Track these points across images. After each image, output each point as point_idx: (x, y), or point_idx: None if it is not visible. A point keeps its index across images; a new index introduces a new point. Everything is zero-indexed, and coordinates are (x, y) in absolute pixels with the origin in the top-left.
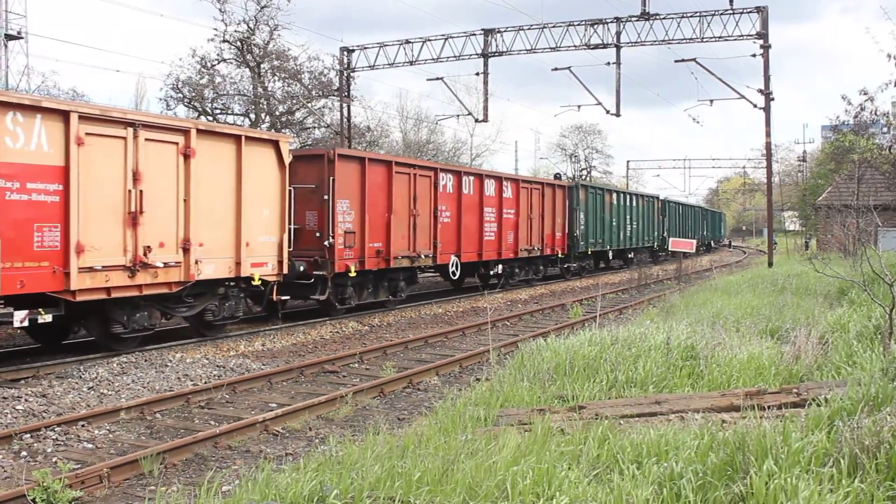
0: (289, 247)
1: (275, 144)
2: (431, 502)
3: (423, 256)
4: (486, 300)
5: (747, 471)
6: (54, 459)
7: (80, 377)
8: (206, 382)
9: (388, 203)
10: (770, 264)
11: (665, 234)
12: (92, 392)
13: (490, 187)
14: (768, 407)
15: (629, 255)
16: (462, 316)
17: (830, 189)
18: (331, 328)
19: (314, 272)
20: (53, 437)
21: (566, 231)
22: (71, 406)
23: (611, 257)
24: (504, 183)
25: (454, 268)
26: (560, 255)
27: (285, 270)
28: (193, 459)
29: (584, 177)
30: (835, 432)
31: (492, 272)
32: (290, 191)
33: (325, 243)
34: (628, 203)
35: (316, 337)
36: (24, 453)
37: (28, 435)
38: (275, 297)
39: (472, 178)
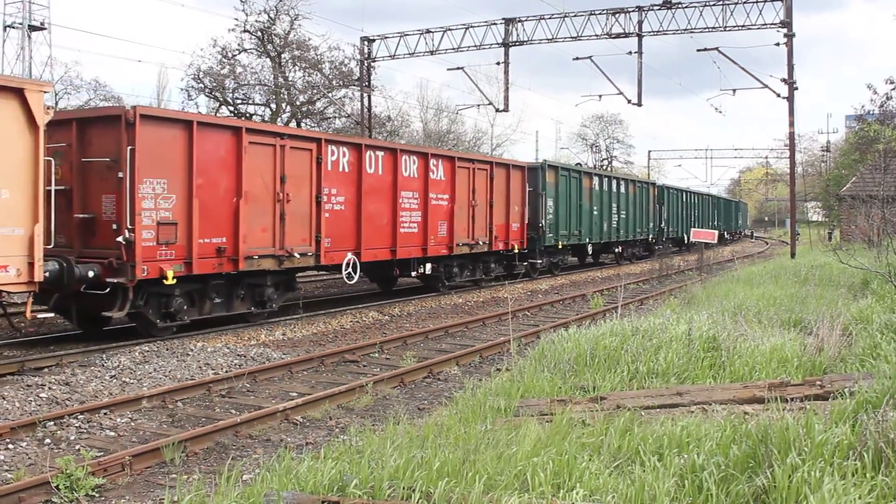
0: (48, 242)
1: (18, 94)
2: (451, 493)
3: (297, 255)
4: (506, 290)
5: (770, 463)
6: (77, 447)
7: (103, 365)
8: (227, 371)
9: (235, 184)
10: (793, 255)
11: (662, 224)
12: (114, 380)
13: (409, 166)
14: (791, 399)
15: (616, 250)
16: (482, 306)
17: (855, 179)
18: (351, 318)
19: (109, 279)
20: (76, 424)
21: (526, 221)
22: (94, 394)
23: (590, 251)
24: (432, 161)
25: (350, 269)
26: (518, 251)
27: (39, 276)
28: (214, 448)
29: (605, 167)
30: (859, 425)
31: (416, 272)
32: (47, 162)
33: (120, 239)
34: (614, 189)
35: (336, 326)
36: (47, 440)
37: (52, 422)
38: (28, 314)
39: (379, 153)
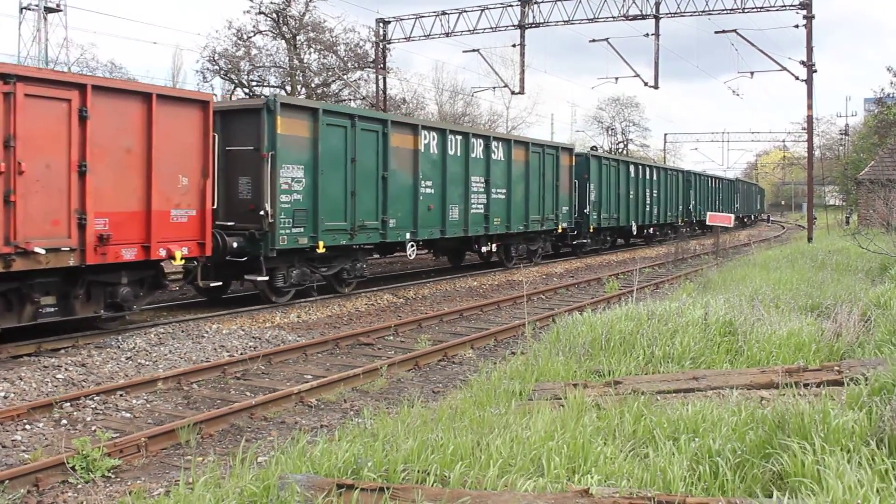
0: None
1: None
2: (465, 476)
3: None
4: (521, 273)
5: (786, 449)
6: (93, 428)
7: (119, 347)
8: (242, 353)
9: None
10: (810, 239)
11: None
12: (130, 362)
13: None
14: (808, 384)
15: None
16: (497, 289)
17: (873, 163)
18: (366, 301)
19: None
20: (92, 406)
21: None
22: (110, 376)
23: (634, 232)
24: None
25: None
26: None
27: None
28: (229, 430)
29: (620, 150)
30: (875, 411)
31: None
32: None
33: None
34: (648, 176)
35: (351, 309)
36: (64, 422)
37: (68, 404)
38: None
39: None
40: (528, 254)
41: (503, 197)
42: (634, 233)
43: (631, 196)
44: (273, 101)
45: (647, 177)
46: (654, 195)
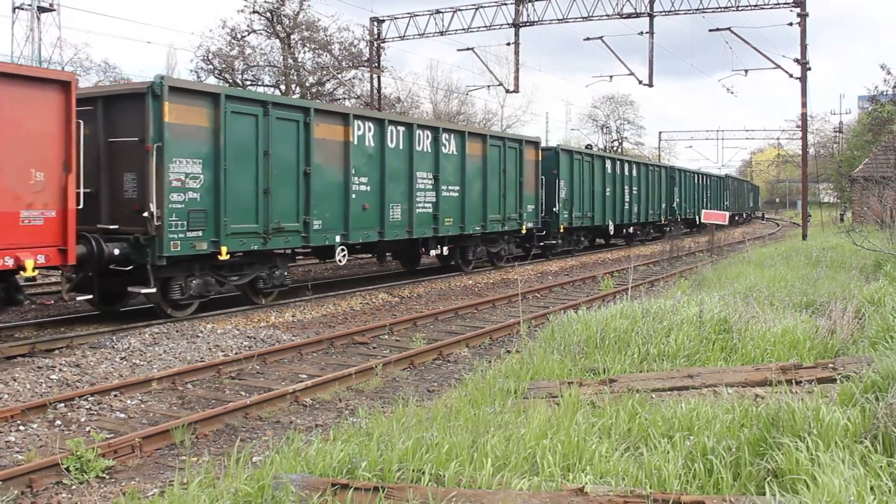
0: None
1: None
2: (460, 475)
3: None
4: (516, 272)
5: (780, 446)
6: (87, 429)
7: (113, 347)
8: (236, 353)
9: None
10: (804, 237)
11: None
12: (125, 362)
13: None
14: (802, 382)
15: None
16: (493, 287)
17: (867, 161)
18: (361, 300)
19: None
20: (87, 406)
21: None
22: (104, 376)
23: (611, 232)
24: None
25: None
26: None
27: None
28: (224, 430)
29: (615, 148)
30: (868, 408)
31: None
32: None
33: None
34: (626, 172)
35: (346, 308)
36: (58, 422)
37: (62, 404)
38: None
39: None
40: (489, 256)
41: (456, 195)
42: (612, 232)
43: (608, 193)
44: (159, 83)
45: (627, 173)
46: (635, 192)
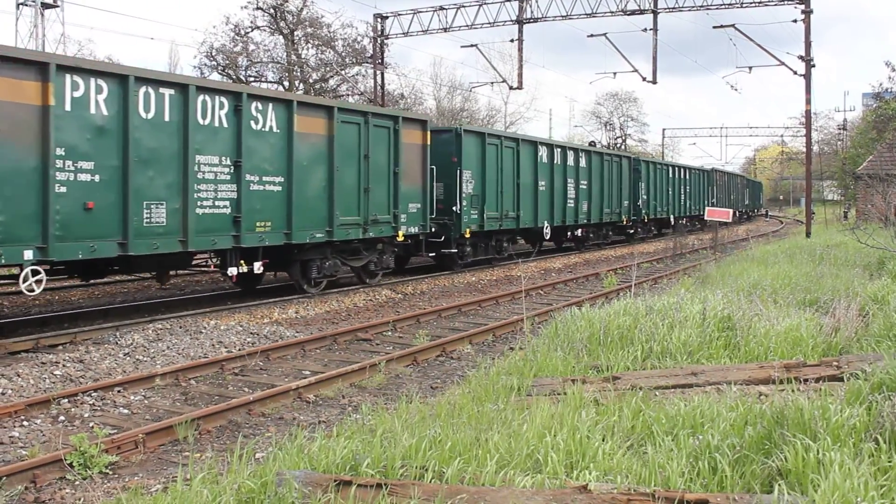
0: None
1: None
2: (464, 472)
3: None
4: (519, 269)
5: (784, 445)
6: (91, 424)
7: (117, 343)
8: (239, 349)
9: None
10: (808, 234)
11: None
12: (128, 358)
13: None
14: (807, 380)
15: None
16: (496, 284)
17: (871, 158)
18: (364, 296)
19: None
20: (90, 402)
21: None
22: (107, 372)
23: (547, 236)
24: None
25: None
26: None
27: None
28: (227, 426)
29: (619, 145)
30: (875, 407)
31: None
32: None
33: None
34: (570, 162)
35: (349, 305)
36: (61, 418)
37: (66, 400)
38: None
39: None
40: (354, 272)
41: (278, 189)
42: (547, 236)
43: (541, 188)
44: None
45: (571, 163)
46: (583, 187)
